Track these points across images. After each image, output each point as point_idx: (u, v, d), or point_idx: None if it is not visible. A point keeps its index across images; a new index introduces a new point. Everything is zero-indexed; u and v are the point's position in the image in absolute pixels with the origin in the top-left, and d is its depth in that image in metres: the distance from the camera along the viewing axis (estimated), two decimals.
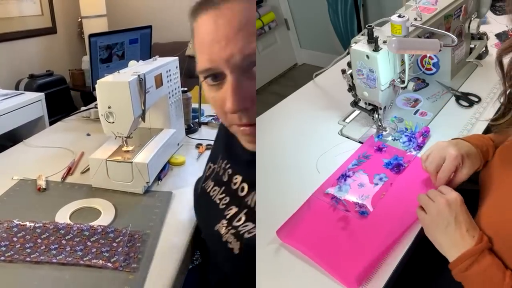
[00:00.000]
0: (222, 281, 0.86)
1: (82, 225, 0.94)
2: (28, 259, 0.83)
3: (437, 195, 0.75)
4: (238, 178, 0.80)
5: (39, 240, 0.89)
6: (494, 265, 0.66)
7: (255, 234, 0.69)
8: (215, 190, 0.84)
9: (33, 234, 0.90)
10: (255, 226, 0.70)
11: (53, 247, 0.87)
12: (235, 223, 0.73)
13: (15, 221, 0.94)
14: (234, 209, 0.76)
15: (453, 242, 0.70)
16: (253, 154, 0.73)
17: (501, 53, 0.74)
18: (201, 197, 0.90)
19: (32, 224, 0.93)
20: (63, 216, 0.99)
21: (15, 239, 0.89)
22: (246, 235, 0.70)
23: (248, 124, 0.62)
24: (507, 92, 0.76)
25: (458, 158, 0.81)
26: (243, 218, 0.73)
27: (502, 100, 0.79)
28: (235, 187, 0.79)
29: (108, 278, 0.80)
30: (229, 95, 0.59)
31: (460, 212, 0.72)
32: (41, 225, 0.93)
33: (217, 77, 0.61)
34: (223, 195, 0.81)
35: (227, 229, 0.74)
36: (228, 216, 0.76)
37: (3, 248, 0.86)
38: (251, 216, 0.72)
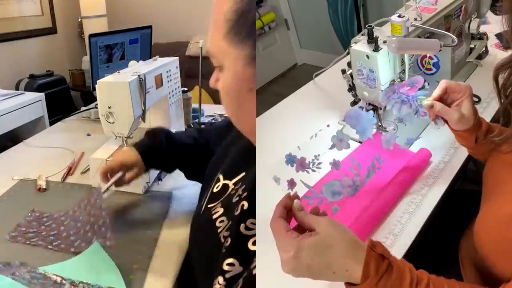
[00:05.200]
0: None
1: None
2: (72, 249, 0.87)
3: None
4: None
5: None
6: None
7: None
8: (222, 221, 0.64)
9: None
10: None
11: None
12: None
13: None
14: (236, 267, 0.56)
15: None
16: None
17: (498, 69, 0.73)
18: (203, 223, 0.68)
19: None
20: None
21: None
22: None
23: None
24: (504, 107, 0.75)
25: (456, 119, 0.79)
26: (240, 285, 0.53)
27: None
28: (246, 232, 0.58)
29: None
30: None
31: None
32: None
33: None
34: (228, 232, 0.61)
35: None
36: (227, 275, 0.56)
37: (52, 237, 0.90)
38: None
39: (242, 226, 0.59)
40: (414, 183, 0.92)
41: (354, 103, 1.09)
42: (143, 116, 1.11)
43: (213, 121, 1.67)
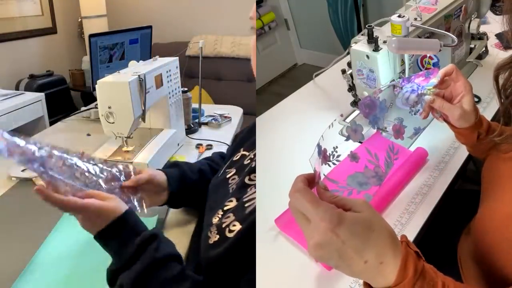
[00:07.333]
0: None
1: None
2: None
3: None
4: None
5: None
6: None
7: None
8: (234, 178, 0.79)
9: None
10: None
11: None
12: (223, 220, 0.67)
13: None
14: (233, 203, 0.70)
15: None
16: None
17: (498, 70, 0.73)
18: (220, 181, 0.82)
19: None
20: None
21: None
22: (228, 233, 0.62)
23: None
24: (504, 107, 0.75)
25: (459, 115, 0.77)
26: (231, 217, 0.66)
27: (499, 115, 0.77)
28: (249, 182, 0.73)
29: None
30: None
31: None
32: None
33: None
34: (236, 185, 0.75)
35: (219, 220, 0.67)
36: (225, 208, 0.70)
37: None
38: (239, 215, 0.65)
39: (246, 178, 0.73)
40: (415, 183, 0.92)
41: (354, 103, 1.09)
42: (143, 116, 1.11)
43: (212, 121, 1.67)
